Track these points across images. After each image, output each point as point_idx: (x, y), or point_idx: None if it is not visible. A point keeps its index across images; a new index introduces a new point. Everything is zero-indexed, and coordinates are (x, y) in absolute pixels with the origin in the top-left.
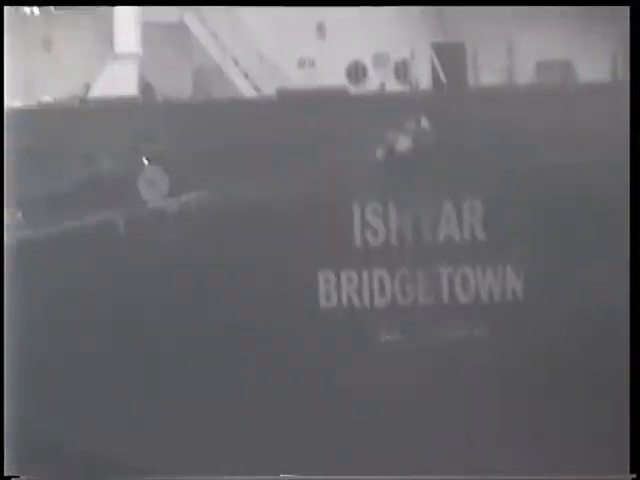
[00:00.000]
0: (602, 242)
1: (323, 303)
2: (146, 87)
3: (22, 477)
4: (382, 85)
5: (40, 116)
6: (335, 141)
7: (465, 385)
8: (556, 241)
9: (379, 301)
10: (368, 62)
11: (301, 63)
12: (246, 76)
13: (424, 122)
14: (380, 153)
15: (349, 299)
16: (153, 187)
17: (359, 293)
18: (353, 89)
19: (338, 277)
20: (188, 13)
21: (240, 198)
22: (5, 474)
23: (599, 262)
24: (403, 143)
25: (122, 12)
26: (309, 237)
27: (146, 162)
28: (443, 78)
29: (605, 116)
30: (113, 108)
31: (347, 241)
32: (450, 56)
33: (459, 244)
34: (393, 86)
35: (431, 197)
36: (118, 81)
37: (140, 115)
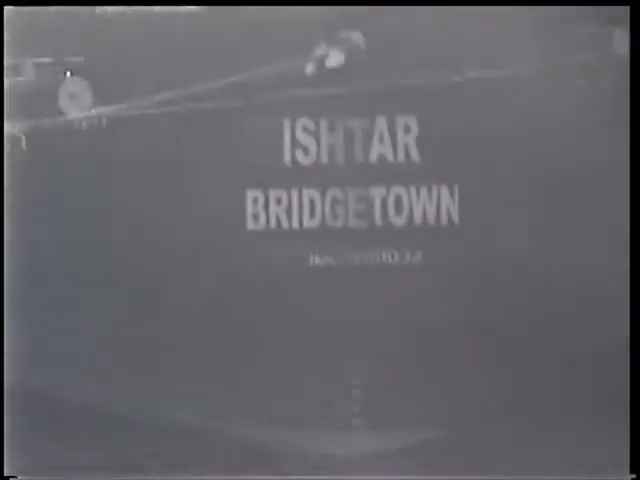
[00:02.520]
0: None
1: (250, 225)
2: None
3: (19, 477)
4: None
5: None
6: (265, 55)
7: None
8: (494, 162)
9: (309, 222)
10: None
11: None
12: None
13: (357, 36)
14: (311, 68)
15: (277, 220)
16: (74, 100)
17: (288, 214)
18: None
19: (267, 197)
20: None
21: (162, 111)
22: (5, 474)
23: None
24: (335, 58)
25: None
26: (236, 154)
27: (68, 74)
28: None
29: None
30: (37, 18)
31: (276, 159)
32: None
33: (392, 164)
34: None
35: (363, 114)
36: None
37: (68, 26)
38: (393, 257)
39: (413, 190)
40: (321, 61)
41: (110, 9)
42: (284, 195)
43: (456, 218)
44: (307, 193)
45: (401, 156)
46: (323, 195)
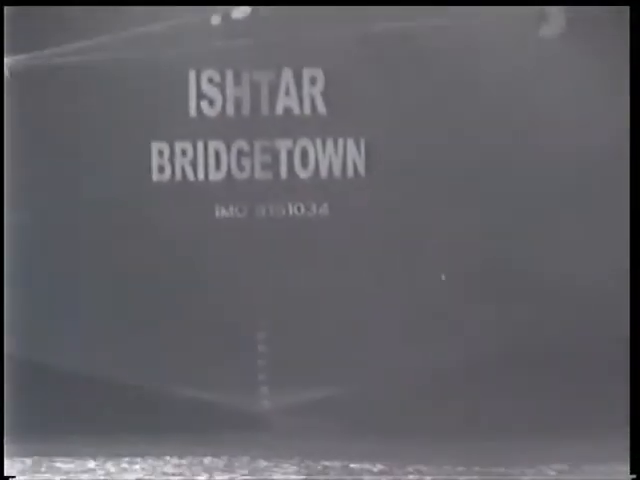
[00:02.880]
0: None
1: (156, 176)
2: None
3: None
4: None
5: None
6: (171, 7)
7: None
8: (400, 115)
9: (214, 174)
10: None
11: None
12: None
13: None
14: (217, 19)
15: (183, 172)
16: None
17: (193, 166)
18: None
19: (172, 149)
20: None
21: (68, 62)
22: (5, 474)
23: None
24: (241, 9)
25: None
26: (142, 106)
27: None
28: None
29: None
30: None
31: (182, 111)
32: None
33: (298, 116)
34: None
35: (269, 67)
36: None
37: None
38: (299, 209)
39: (319, 143)
40: (227, 12)
41: None
42: (189, 147)
43: (362, 170)
44: (213, 145)
45: (307, 109)
46: (229, 147)
